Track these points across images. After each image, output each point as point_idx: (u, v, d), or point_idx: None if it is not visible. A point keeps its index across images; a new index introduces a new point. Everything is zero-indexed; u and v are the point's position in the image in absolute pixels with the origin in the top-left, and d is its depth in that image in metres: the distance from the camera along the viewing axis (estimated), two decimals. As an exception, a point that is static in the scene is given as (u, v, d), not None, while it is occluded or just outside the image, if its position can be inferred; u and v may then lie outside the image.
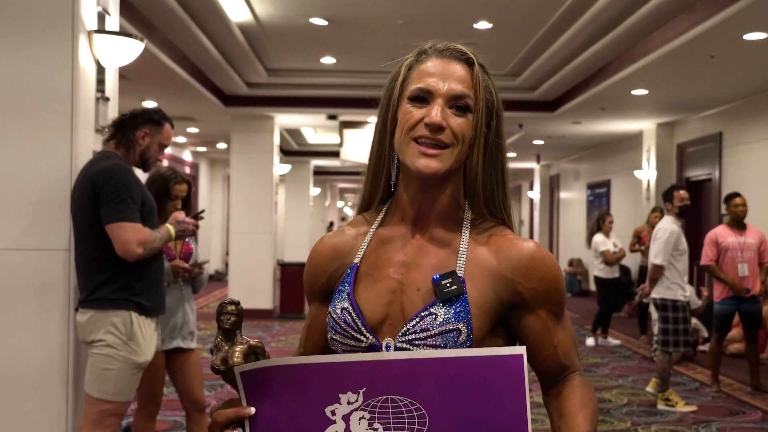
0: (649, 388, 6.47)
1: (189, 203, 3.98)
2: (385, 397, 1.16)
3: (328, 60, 9.12)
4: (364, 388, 1.16)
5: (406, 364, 1.15)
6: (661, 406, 6.01)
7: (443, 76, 1.32)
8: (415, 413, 1.16)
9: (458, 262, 1.32)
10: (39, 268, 3.60)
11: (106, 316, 3.14)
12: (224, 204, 18.90)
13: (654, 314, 8.17)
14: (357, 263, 1.38)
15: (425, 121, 1.30)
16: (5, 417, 3.58)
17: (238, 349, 1.23)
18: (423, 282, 1.32)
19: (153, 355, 3.30)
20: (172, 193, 3.88)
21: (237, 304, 1.26)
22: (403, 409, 1.16)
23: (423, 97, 1.32)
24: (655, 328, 8.10)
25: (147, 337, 3.23)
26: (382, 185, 1.41)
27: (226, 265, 16.17)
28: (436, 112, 1.29)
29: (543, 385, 1.40)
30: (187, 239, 4.03)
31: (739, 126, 9.44)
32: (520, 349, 1.13)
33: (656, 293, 6.08)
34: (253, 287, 11.21)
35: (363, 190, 1.45)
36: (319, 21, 7.38)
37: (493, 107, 1.36)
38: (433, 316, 1.27)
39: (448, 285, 1.28)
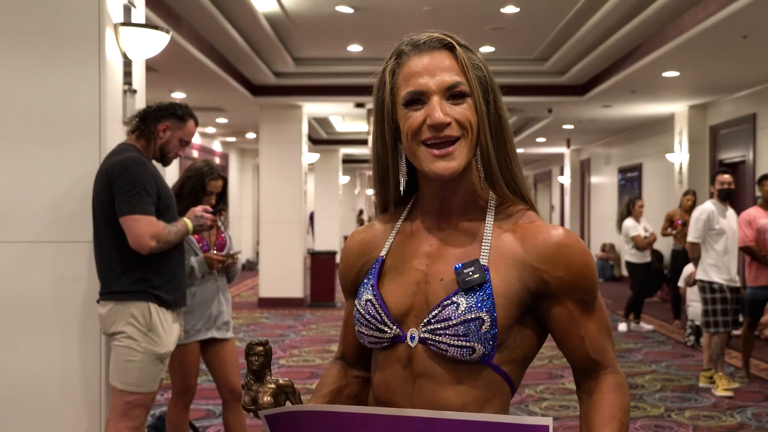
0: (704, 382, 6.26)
1: (224, 199, 4.01)
2: None
3: (354, 48, 9.10)
4: None
5: (428, 423, 1.12)
6: (702, 384, 6.03)
7: (430, 71, 1.29)
8: None
9: (482, 250, 1.30)
10: (65, 261, 3.63)
11: (125, 308, 3.16)
12: (254, 194, 18.99)
13: (688, 297, 8.16)
14: (383, 256, 1.38)
15: (428, 123, 1.27)
16: (37, 409, 3.64)
17: (266, 389, 1.23)
18: (447, 272, 1.30)
19: (174, 345, 3.32)
20: (208, 189, 3.90)
21: (265, 344, 1.26)
22: None
23: (418, 99, 1.29)
24: (689, 311, 8.10)
25: (167, 327, 3.24)
26: (392, 191, 1.40)
27: (257, 254, 16.26)
28: (436, 111, 1.26)
29: (575, 378, 1.37)
30: (222, 231, 4.06)
31: (774, 107, 9.27)
32: (546, 420, 1.10)
33: (697, 275, 6.19)
34: (284, 276, 11.27)
35: (376, 196, 1.45)
36: (345, 9, 7.36)
37: (487, 83, 1.33)
38: (455, 305, 1.25)
39: (470, 273, 1.26)
